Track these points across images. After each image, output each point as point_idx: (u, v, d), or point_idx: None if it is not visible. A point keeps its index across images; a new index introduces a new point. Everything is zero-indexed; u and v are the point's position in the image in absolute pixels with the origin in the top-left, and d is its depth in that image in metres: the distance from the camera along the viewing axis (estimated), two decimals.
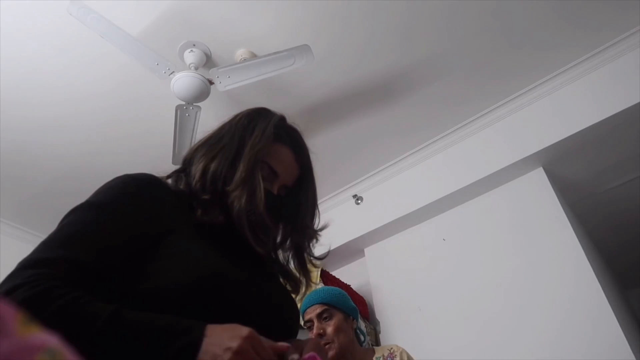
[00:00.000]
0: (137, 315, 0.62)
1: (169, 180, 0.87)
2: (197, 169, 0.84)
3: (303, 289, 0.93)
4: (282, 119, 0.95)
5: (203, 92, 2.15)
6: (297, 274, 0.92)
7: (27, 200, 2.94)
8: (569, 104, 2.54)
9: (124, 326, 0.60)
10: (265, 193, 0.82)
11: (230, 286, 0.72)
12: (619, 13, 2.29)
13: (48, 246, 0.67)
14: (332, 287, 1.92)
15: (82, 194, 0.81)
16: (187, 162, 0.89)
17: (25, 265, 0.64)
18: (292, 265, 0.94)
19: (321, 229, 0.94)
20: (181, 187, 0.84)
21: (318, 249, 0.95)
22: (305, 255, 0.93)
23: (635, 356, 1.99)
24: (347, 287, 2.74)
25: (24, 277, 0.61)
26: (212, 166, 0.83)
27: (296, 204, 0.92)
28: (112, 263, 0.68)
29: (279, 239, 0.93)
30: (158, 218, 0.74)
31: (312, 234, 0.92)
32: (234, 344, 0.58)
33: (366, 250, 3.12)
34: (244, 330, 0.61)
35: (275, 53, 2.08)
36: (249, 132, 0.88)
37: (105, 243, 0.69)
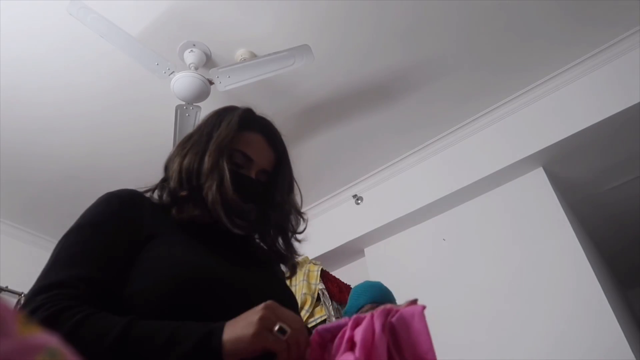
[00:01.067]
0: (151, 322, 0.64)
1: (156, 192, 0.91)
2: (173, 170, 0.88)
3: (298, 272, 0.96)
4: (247, 110, 0.98)
5: (203, 92, 2.15)
6: (287, 254, 0.95)
7: (28, 200, 2.93)
8: (569, 103, 2.54)
9: (141, 331, 0.62)
10: (231, 176, 0.85)
11: (215, 280, 0.74)
12: (619, 13, 2.29)
13: (52, 270, 0.70)
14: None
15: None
16: (166, 168, 0.93)
17: (36, 292, 0.66)
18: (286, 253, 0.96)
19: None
20: (164, 195, 0.88)
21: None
22: (289, 233, 0.95)
23: (635, 356, 1.99)
24: (347, 287, 2.73)
25: (37, 302, 0.64)
26: (185, 163, 0.87)
27: (274, 184, 0.95)
28: (114, 275, 0.72)
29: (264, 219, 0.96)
30: (140, 227, 0.78)
31: (290, 210, 0.95)
32: (256, 316, 0.61)
33: (366, 250, 3.12)
34: (262, 304, 0.63)
35: (275, 53, 2.08)
36: (216, 127, 0.91)
37: (105, 257, 0.73)
